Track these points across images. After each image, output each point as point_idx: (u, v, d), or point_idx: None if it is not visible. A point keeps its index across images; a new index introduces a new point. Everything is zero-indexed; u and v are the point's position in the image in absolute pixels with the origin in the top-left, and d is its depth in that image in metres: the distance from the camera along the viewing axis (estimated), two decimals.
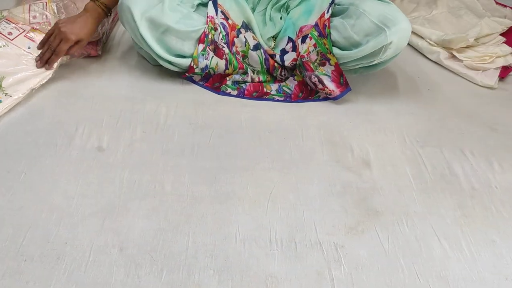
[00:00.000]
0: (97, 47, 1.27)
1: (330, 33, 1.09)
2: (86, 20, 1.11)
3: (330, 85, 1.12)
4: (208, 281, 0.71)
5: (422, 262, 0.76)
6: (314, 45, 1.10)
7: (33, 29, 1.13)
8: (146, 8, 1.06)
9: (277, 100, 1.15)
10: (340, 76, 1.11)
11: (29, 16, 1.22)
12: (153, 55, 1.12)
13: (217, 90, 1.16)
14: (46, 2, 1.24)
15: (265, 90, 1.15)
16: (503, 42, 1.37)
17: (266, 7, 1.20)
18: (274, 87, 1.16)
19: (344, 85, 1.12)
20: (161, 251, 0.75)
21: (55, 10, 1.24)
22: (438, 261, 0.76)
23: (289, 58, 1.15)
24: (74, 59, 1.23)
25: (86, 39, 1.12)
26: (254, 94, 1.15)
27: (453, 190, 0.91)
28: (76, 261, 0.73)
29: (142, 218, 0.81)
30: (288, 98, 1.15)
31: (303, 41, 1.12)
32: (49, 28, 1.16)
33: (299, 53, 1.13)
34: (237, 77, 1.17)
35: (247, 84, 1.16)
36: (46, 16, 1.22)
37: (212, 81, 1.18)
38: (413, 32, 1.41)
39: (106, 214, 0.81)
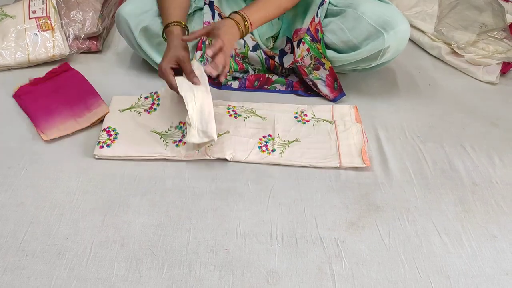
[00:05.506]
0: (97, 42, 1.27)
1: (323, 37, 1.07)
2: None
3: (324, 90, 1.11)
4: (209, 276, 0.71)
5: (422, 257, 0.76)
6: (308, 50, 1.08)
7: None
8: (143, 18, 1.05)
9: (279, 91, 1.14)
10: (334, 81, 1.10)
11: (29, 11, 1.22)
12: (151, 63, 1.13)
13: (218, 85, 1.16)
14: None
15: (267, 76, 1.15)
16: (504, 37, 1.36)
17: None
18: (275, 76, 1.16)
19: (338, 90, 1.11)
20: (162, 247, 0.75)
21: (55, 5, 1.23)
22: (439, 256, 0.76)
23: (288, 61, 1.14)
24: (75, 55, 1.23)
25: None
26: (255, 83, 1.15)
27: (454, 185, 0.91)
28: (77, 256, 0.73)
29: (143, 214, 0.81)
30: (290, 87, 1.15)
31: (297, 46, 1.10)
32: (48, 22, 1.14)
33: (295, 56, 1.12)
34: (238, 74, 1.17)
35: (248, 74, 1.16)
36: (46, 11, 1.22)
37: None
38: (414, 27, 1.40)
39: (107, 210, 0.81)
